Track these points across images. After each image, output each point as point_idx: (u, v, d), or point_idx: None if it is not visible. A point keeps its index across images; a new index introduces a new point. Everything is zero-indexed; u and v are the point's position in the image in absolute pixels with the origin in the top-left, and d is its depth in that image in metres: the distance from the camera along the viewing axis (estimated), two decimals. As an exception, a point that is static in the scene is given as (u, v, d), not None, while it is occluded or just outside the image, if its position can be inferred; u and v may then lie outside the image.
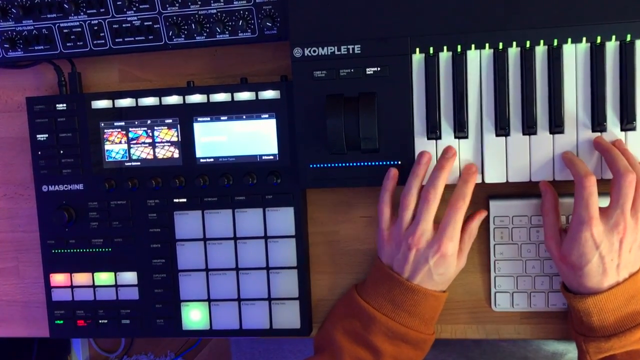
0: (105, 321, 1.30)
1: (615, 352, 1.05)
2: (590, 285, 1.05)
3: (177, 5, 1.18)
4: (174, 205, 1.25)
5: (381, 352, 1.13)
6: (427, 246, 1.09)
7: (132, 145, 1.25)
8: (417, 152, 1.12)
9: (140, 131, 1.24)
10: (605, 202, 1.04)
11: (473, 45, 1.10)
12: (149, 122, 1.24)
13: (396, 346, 1.13)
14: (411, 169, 1.12)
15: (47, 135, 1.27)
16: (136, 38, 1.22)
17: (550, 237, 1.09)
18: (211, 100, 1.21)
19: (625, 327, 1.05)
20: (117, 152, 1.25)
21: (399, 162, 1.13)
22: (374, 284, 1.15)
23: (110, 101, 1.25)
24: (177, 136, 1.23)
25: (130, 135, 1.24)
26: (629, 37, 1.06)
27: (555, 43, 1.08)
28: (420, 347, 1.15)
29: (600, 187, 1.03)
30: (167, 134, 1.23)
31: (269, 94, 1.20)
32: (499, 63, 1.09)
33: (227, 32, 1.19)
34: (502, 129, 1.10)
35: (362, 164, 1.14)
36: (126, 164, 1.25)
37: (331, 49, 1.13)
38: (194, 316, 1.27)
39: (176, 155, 1.23)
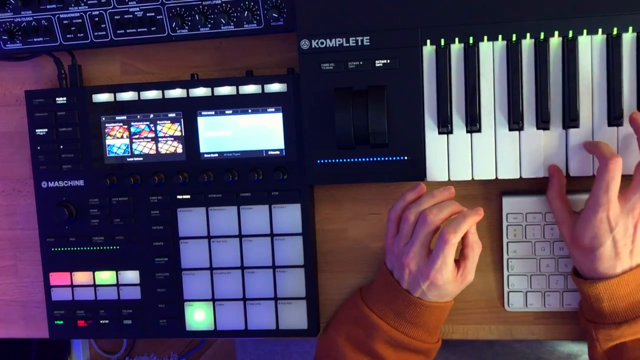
0: (107, 321, 1.31)
1: (625, 340, 1.07)
2: (601, 269, 1.06)
3: (180, -5, 1.20)
4: (177, 202, 1.26)
5: (384, 359, 1.14)
6: (417, 271, 1.10)
7: (134, 140, 1.26)
8: (427, 147, 1.14)
9: (142, 125, 1.25)
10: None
11: (485, 37, 1.11)
12: (151, 116, 1.25)
13: (400, 353, 1.15)
14: (431, 191, 1.11)
15: (46, 130, 1.28)
16: (138, 29, 1.23)
17: (562, 221, 1.11)
18: (216, 93, 1.23)
19: (637, 314, 1.06)
20: (119, 147, 1.26)
21: (409, 158, 1.13)
22: (379, 291, 1.17)
23: (112, 94, 1.26)
24: (181, 131, 1.24)
25: (132, 129, 1.25)
26: (646, 29, 1.07)
27: (571, 35, 1.09)
28: (424, 354, 1.17)
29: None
30: (170, 128, 1.24)
31: (275, 87, 1.21)
32: (513, 55, 1.10)
33: (232, 24, 1.20)
34: (515, 123, 1.11)
35: (371, 159, 1.15)
36: (128, 159, 1.26)
37: (339, 41, 1.14)
38: (198, 316, 1.28)
39: (179, 150, 1.25)
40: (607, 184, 1.02)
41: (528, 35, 1.10)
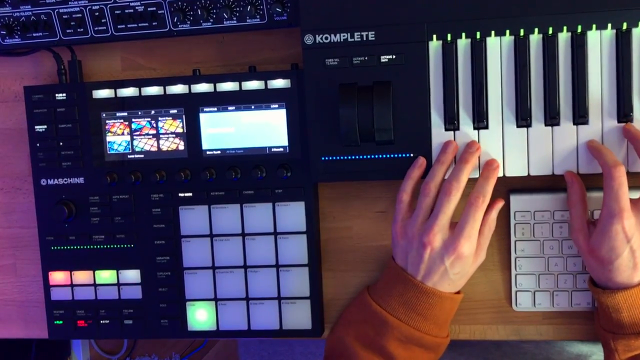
0: (107, 321, 1.32)
1: None
2: (619, 280, 1.07)
3: (182, -10, 1.20)
4: (179, 200, 1.27)
5: (395, 358, 1.14)
6: (443, 246, 1.10)
7: (135, 137, 1.26)
8: (434, 144, 1.14)
9: (143, 122, 1.26)
10: (635, 196, 1.05)
11: (493, 32, 1.11)
12: (152, 112, 1.25)
13: (410, 351, 1.15)
14: (437, 157, 1.12)
15: (46, 127, 1.29)
16: (139, 24, 1.24)
17: (578, 230, 1.11)
18: (218, 89, 1.23)
19: None
20: (120, 144, 1.27)
21: (416, 155, 1.14)
22: (387, 286, 1.17)
23: (112, 90, 1.26)
24: (183, 127, 1.25)
25: (133, 126, 1.26)
26: (656, 23, 1.07)
27: (579, 30, 1.09)
28: (434, 350, 1.17)
29: (630, 181, 1.04)
30: (172, 125, 1.25)
31: (278, 83, 1.21)
32: (520, 51, 1.11)
33: (234, 18, 1.20)
34: (523, 119, 1.11)
35: (376, 156, 1.16)
36: (129, 156, 1.27)
37: (344, 36, 1.14)
38: (200, 316, 1.29)
39: (181, 147, 1.25)
40: (617, 193, 1.03)
41: (536, 30, 1.10)
